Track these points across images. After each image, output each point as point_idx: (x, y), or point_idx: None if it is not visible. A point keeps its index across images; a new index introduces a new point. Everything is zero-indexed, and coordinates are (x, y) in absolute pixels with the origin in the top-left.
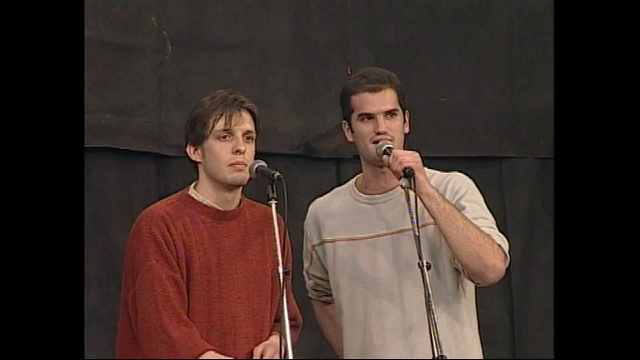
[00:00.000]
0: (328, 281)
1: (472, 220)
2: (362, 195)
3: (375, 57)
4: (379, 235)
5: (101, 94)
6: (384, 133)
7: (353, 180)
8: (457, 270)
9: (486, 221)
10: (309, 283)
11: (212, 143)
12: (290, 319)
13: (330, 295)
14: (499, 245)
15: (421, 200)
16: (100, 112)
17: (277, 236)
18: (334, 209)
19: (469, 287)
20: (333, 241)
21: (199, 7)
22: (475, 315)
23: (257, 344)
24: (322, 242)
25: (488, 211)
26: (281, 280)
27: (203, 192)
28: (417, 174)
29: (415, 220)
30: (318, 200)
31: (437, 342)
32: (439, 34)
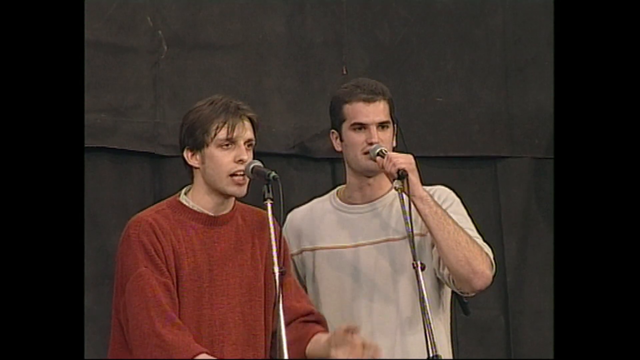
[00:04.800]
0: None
1: None
2: (345, 204)
3: (370, 57)
4: (361, 245)
5: (96, 94)
6: (376, 144)
7: (334, 191)
8: (439, 282)
9: (472, 232)
10: None
11: (213, 151)
12: (307, 314)
13: None
14: (487, 254)
15: (413, 202)
16: (96, 112)
17: (272, 236)
18: (315, 218)
19: (448, 300)
20: (313, 250)
21: (194, 8)
22: (449, 332)
23: (247, 351)
24: (301, 251)
25: (472, 223)
26: (277, 281)
27: (196, 198)
28: (410, 176)
29: (409, 221)
30: (297, 209)
31: (432, 342)
32: (433, 34)
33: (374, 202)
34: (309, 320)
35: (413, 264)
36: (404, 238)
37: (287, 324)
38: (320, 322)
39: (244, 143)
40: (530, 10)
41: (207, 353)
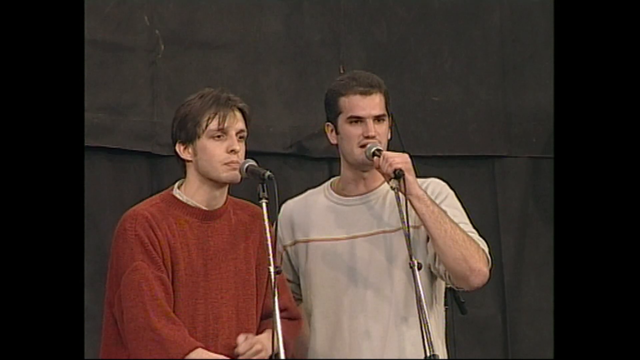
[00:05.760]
0: (296, 284)
1: None
2: (339, 197)
3: (367, 55)
4: (356, 237)
5: (93, 93)
6: (373, 137)
7: (328, 183)
8: (432, 276)
9: (467, 226)
10: None
11: (205, 142)
12: (282, 310)
13: (296, 299)
14: (483, 250)
15: (410, 201)
16: (93, 111)
17: (268, 235)
18: (309, 210)
19: (441, 294)
20: (307, 241)
21: (191, 6)
22: (443, 326)
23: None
24: (294, 243)
25: (467, 217)
26: (272, 280)
27: (189, 192)
28: (406, 175)
29: (406, 220)
30: (291, 201)
31: (429, 341)
32: (431, 33)
33: (368, 194)
34: (281, 317)
35: (410, 263)
36: (398, 230)
37: (262, 320)
38: (293, 318)
39: (236, 134)
40: (528, 9)
41: (202, 347)
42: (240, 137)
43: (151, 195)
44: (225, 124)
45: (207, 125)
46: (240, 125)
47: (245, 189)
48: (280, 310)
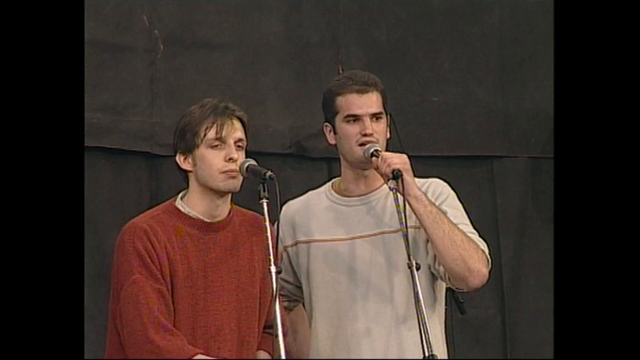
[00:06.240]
0: (295, 285)
1: None
2: (340, 197)
3: (366, 55)
4: (356, 238)
5: (93, 93)
6: (370, 135)
7: (329, 183)
8: (433, 276)
9: (467, 227)
10: None
11: (203, 151)
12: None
13: (293, 300)
14: (482, 251)
15: (408, 202)
16: (92, 111)
17: (269, 235)
18: (310, 211)
19: (442, 294)
20: (308, 242)
21: (190, 6)
22: (443, 326)
23: (241, 356)
24: (295, 243)
25: (467, 218)
26: (274, 280)
27: (191, 203)
28: (405, 175)
29: (404, 221)
30: (292, 201)
31: (428, 341)
32: (430, 33)
33: (369, 195)
34: (270, 332)
35: (408, 263)
36: (398, 231)
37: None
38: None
39: (234, 142)
40: (527, 9)
41: (202, 353)
42: (239, 146)
43: (150, 196)
44: (223, 133)
45: (205, 135)
46: (239, 134)
47: (245, 188)
48: (273, 327)
